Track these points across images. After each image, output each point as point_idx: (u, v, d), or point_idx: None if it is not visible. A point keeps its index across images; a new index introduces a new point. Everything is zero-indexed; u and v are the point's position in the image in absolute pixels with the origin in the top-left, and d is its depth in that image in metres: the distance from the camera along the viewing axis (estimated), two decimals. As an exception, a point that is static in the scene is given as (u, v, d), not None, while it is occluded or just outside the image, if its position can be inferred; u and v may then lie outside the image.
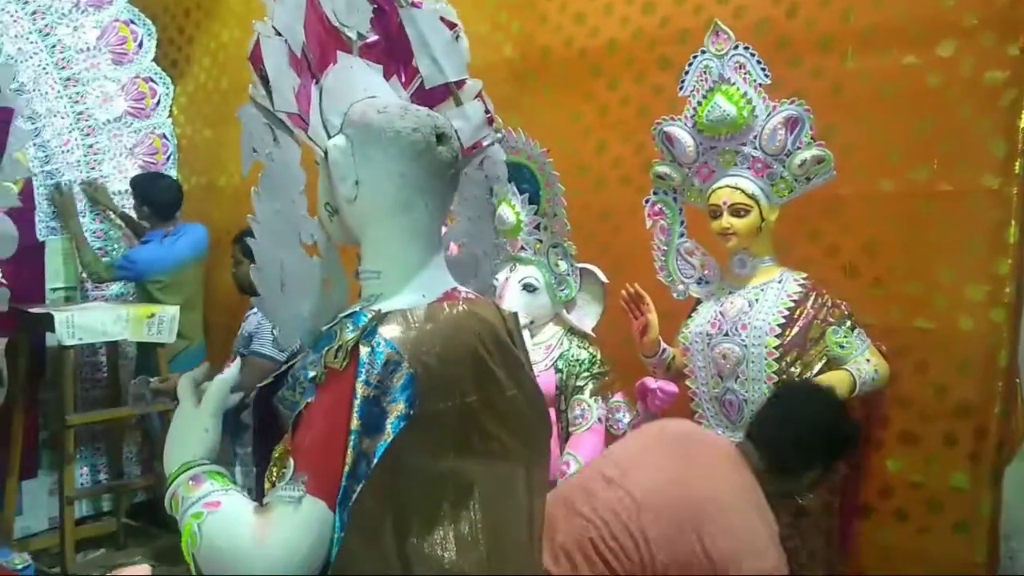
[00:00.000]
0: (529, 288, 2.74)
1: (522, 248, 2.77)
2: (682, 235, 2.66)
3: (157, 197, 4.18)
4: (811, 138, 2.36)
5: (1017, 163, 2.59)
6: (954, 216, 2.72)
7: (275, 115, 1.20)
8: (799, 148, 2.37)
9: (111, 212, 4.40)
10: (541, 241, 2.76)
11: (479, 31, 3.73)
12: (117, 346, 4.28)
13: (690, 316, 2.67)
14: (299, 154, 1.24)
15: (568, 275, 2.76)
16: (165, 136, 4.61)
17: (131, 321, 3.80)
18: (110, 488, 4.37)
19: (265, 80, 1.18)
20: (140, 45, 4.48)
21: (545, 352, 2.77)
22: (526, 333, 2.71)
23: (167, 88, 4.59)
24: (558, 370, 2.72)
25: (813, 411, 2.08)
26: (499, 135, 2.66)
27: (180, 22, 4.99)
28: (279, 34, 1.20)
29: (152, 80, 4.54)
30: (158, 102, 4.57)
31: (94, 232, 4.35)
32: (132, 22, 4.46)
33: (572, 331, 2.81)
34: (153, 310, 3.88)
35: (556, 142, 3.48)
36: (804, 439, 2.04)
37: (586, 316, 2.83)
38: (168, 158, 4.62)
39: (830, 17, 2.87)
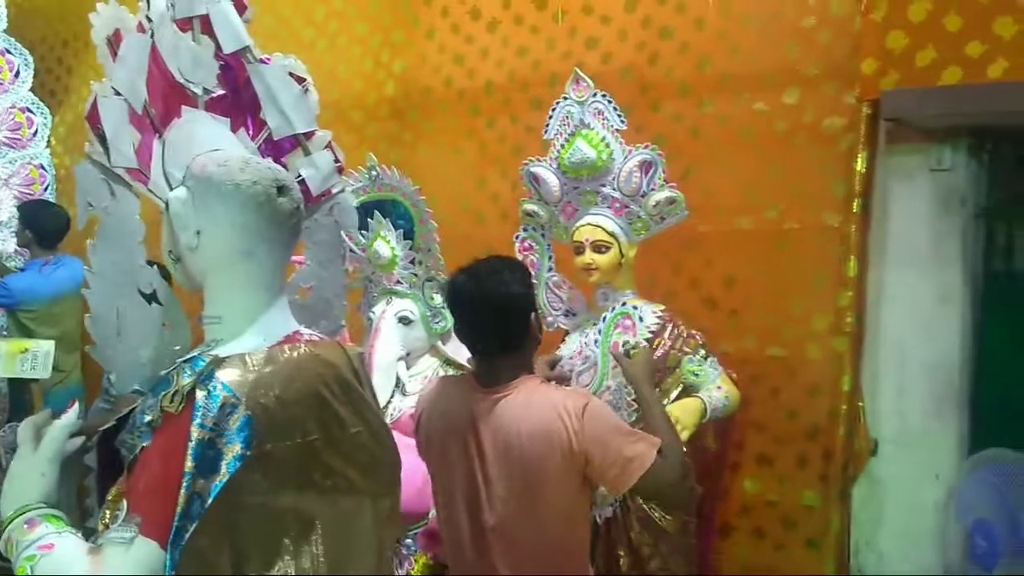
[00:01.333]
0: (405, 321, 2.81)
1: (398, 282, 2.84)
2: (550, 269, 2.78)
3: (43, 224, 4.07)
4: (664, 180, 2.51)
5: (855, 203, 2.82)
6: (801, 252, 2.93)
7: (112, 171, 1.25)
8: (653, 189, 2.51)
9: None
10: (416, 275, 2.84)
11: (363, 69, 3.82)
12: (-11, 382, 4.13)
13: (559, 347, 2.78)
14: (138, 207, 1.29)
15: (443, 308, 2.83)
16: (43, 166, 4.50)
17: (3, 357, 3.68)
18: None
19: (103, 138, 1.23)
20: (16, 75, 4.39)
21: (421, 383, 2.83)
22: (402, 364, 2.82)
23: (45, 118, 4.50)
24: (433, 401, 2.79)
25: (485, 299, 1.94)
26: (372, 173, 2.77)
27: (58, 52, 4.90)
28: (118, 94, 1.25)
29: (29, 110, 4.44)
30: (35, 132, 4.47)
31: (-37, 265, 4.23)
32: (8, 51, 4.36)
33: (448, 362, 2.88)
34: (27, 345, 3.76)
35: (438, 177, 3.60)
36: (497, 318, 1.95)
37: (462, 347, 2.90)
38: (46, 188, 4.51)
39: (687, 65, 3.07)
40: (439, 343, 2.88)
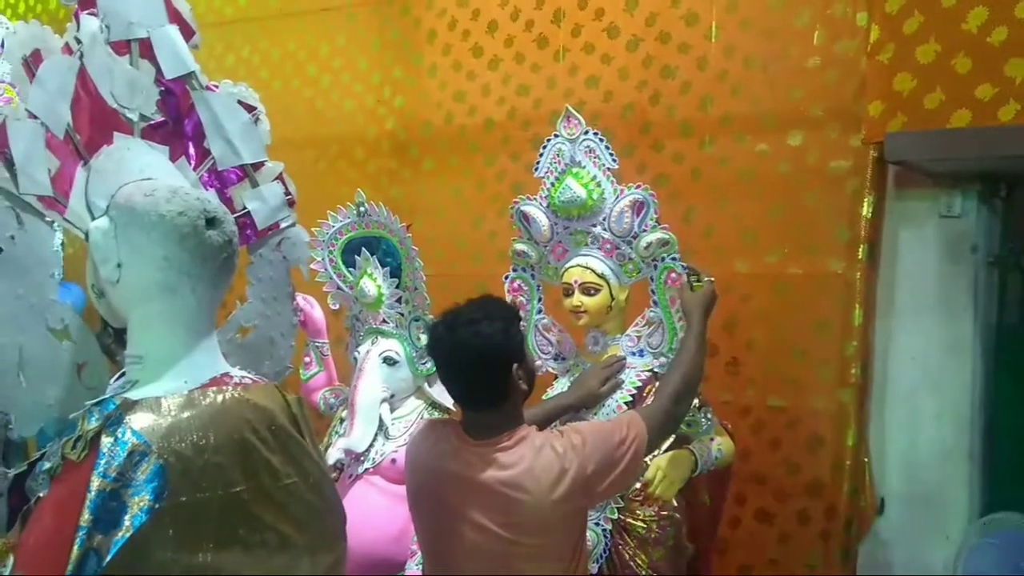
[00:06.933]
0: (389, 361, 2.72)
1: (384, 321, 2.75)
2: (540, 311, 2.68)
3: None
4: (656, 221, 2.41)
5: (860, 249, 2.71)
6: (804, 298, 2.82)
7: (21, 198, 1.18)
8: (645, 231, 2.41)
9: None
10: (403, 315, 2.75)
11: (364, 104, 3.80)
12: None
13: (547, 391, 2.67)
14: (51, 237, 1.21)
15: (430, 349, 2.74)
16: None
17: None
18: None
19: (10, 163, 1.16)
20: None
21: (405, 426, 2.74)
22: (385, 407, 2.72)
23: None
24: (418, 445, 2.69)
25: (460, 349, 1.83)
26: (360, 209, 2.69)
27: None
28: (34, 116, 1.18)
29: None
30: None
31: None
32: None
33: (434, 405, 2.78)
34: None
35: (436, 214, 3.54)
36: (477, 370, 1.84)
37: (449, 390, 2.81)
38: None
39: (689, 105, 2.99)
40: (425, 385, 2.78)
